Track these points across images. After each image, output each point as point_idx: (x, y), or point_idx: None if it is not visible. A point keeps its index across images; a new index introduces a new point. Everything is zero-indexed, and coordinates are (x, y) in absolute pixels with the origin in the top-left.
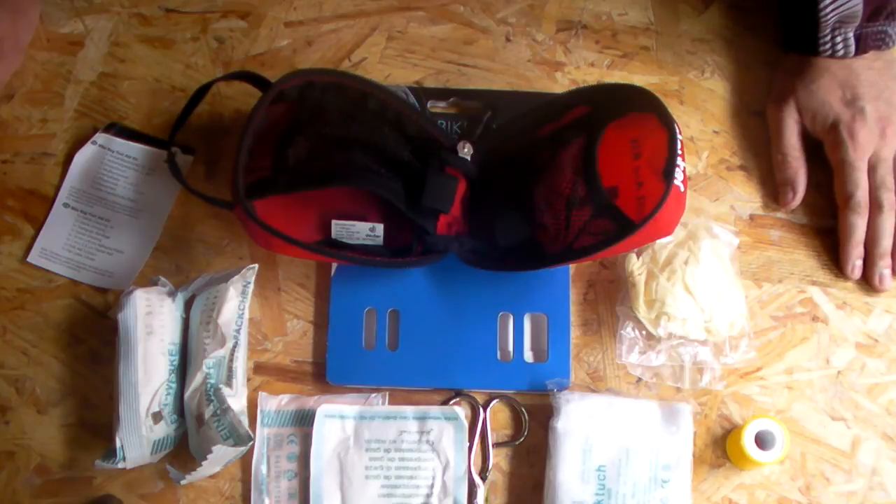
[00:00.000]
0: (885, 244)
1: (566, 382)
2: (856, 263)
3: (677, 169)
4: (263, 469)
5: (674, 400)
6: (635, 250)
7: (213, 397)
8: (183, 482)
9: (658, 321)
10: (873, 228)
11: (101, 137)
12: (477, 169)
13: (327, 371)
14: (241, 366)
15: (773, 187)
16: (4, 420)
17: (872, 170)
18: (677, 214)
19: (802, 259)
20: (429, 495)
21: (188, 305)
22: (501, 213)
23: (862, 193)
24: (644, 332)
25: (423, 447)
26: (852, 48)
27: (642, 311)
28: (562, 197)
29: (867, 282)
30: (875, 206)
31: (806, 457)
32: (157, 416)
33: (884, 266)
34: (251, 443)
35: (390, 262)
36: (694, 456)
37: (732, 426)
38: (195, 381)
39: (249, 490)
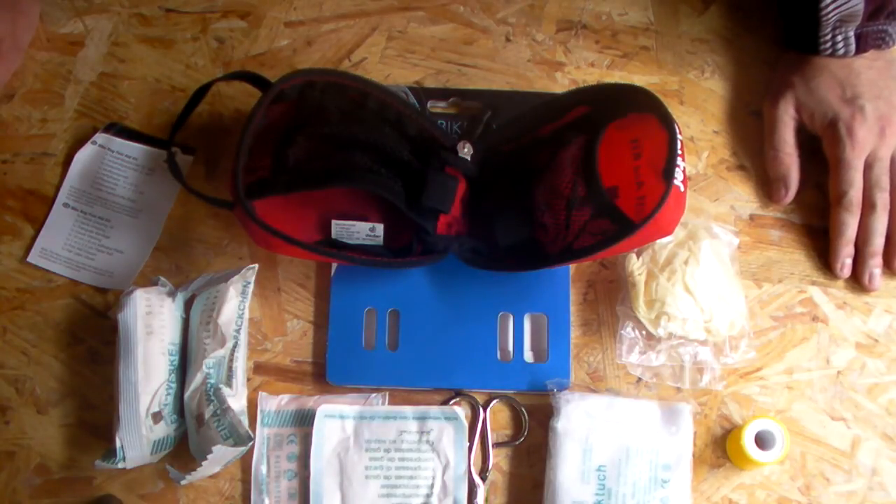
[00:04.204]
0: (877, 243)
1: (566, 382)
2: (845, 262)
3: (677, 169)
4: (263, 469)
5: (674, 400)
6: (635, 250)
7: (213, 397)
8: (183, 482)
9: (658, 321)
10: (865, 227)
11: (101, 137)
12: (477, 169)
13: (327, 371)
14: (241, 366)
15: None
16: (4, 420)
17: (868, 168)
18: (677, 214)
19: (802, 259)
20: (429, 495)
21: (188, 305)
22: (501, 213)
23: (855, 192)
24: (644, 332)
25: (423, 447)
26: (853, 47)
27: (642, 311)
28: (562, 197)
29: (857, 280)
30: (868, 206)
31: (806, 457)
32: (157, 416)
33: (874, 265)
34: (251, 443)
35: (390, 262)
36: (694, 456)
37: (732, 426)
38: (195, 381)
39: (249, 490)
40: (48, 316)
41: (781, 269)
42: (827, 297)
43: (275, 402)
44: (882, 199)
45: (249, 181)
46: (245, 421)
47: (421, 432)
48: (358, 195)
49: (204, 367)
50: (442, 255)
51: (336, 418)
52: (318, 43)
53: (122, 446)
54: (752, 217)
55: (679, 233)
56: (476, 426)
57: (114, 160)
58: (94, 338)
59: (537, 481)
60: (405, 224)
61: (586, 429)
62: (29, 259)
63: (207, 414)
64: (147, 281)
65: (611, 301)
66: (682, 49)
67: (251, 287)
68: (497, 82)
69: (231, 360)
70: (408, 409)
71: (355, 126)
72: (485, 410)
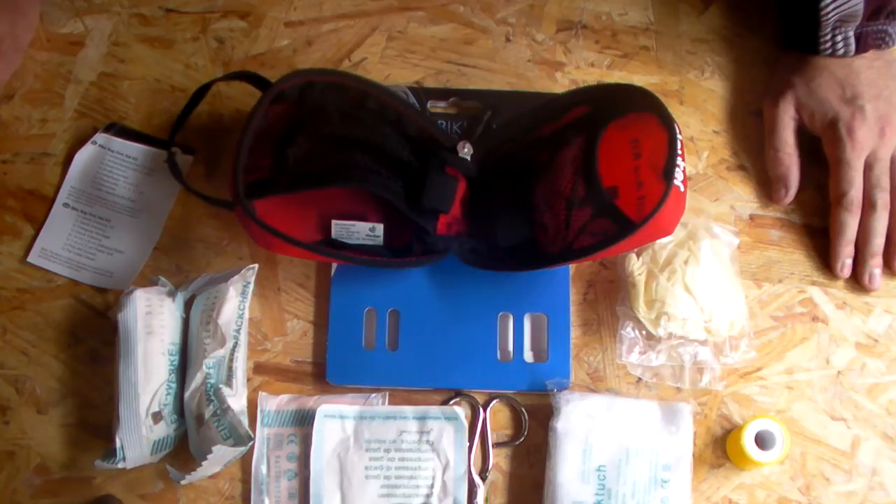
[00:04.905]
0: (877, 243)
1: (566, 382)
2: (845, 262)
3: (677, 169)
4: (263, 469)
5: (674, 400)
6: (635, 250)
7: (213, 397)
8: (183, 482)
9: (658, 321)
10: (865, 227)
11: (101, 137)
12: (477, 169)
13: (327, 371)
14: (241, 366)
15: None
16: (4, 420)
17: (868, 168)
18: (677, 214)
19: (802, 259)
20: (429, 495)
21: (188, 305)
22: (501, 213)
23: (856, 192)
24: (644, 332)
25: (423, 447)
26: (852, 47)
27: (642, 311)
28: (562, 197)
29: (857, 280)
30: (868, 205)
31: (806, 457)
32: (157, 416)
33: (874, 265)
34: (251, 443)
35: (390, 262)
36: (694, 456)
37: (732, 426)
38: (195, 381)
39: (249, 490)
40: (48, 316)
41: (781, 269)
42: (827, 297)
43: (275, 402)
44: (882, 199)
45: (249, 181)
46: (245, 421)
47: (421, 432)
48: (358, 195)
49: (204, 367)
50: (442, 255)
51: (336, 418)
52: (318, 43)
53: (122, 446)
54: (752, 217)
55: (679, 233)
56: (476, 426)
57: (114, 160)
58: (94, 338)
59: (537, 481)
60: (405, 224)
61: (586, 429)
62: (29, 259)
63: (207, 414)
64: (147, 281)
65: (611, 301)
66: (682, 49)
67: (251, 287)
68: (497, 82)
69: (231, 360)
70: (408, 409)
71: (355, 126)
72: (485, 410)
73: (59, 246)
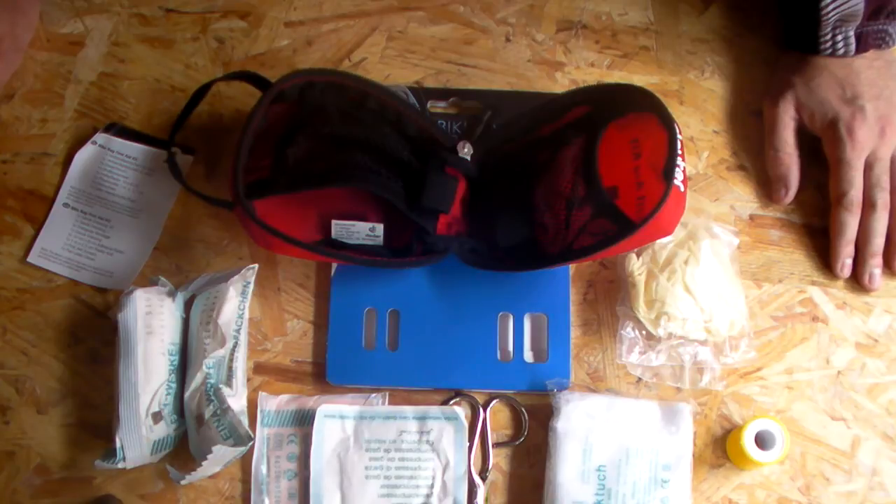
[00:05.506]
0: (877, 243)
1: (566, 382)
2: (845, 262)
3: (677, 169)
4: (263, 469)
5: (674, 400)
6: (635, 250)
7: (213, 397)
8: (183, 482)
9: (658, 321)
10: (865, 227)
11: (101, 137)
12: (477, 169)
13: (327, 371)
14: (241, 366)
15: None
16: (4, 420)
17: (869, 168)
18: (677, 214)
19: (802, 259)
20: (429, 495)
21: (188, 305)
22: (501, 213)
23: (856, 192)
24: (644, 332)
25: (423, 447)
26: (853, 47)
27: (642, 311)
28: (562, 197)
29: (857, 280)
30: (868, 205)
31: (806, 457)
32: (157, 416)
33: (874, 265)
34: (251, 443)
35: (390, 262)
36: (694, 456)
37: (732, 426)
38: (195, 381)
39: (249, 490)
40: (48, 316)
41: (781, 269)
42: (827, 297)
43: (275, 402)
44: (882, 199)
45: (249, 181)
46: (245, 421)
47: (421, 432)
48: (358, 195)
49: (204, 367)
50: (442, 255)
51: (336, 418)
52: (318, 43)
53: (122, 446)
54: (752, 217)
55: (679, 233)
56: (476, 426)
57: (114, 160)
58: (94, 338)
59: (537, 481)
60: (405, 224)
61: (586, 429)
62: (29, 259)
63: (207, 414)
64: (147, 281)
65: (611, 301)
66: (682, 49)
67: (251, 287)
68: (497, 82)
69: (231, 360)
70: (408, 409)
71: (355, 126)
72: (485, 410)
73: (59, 246)
